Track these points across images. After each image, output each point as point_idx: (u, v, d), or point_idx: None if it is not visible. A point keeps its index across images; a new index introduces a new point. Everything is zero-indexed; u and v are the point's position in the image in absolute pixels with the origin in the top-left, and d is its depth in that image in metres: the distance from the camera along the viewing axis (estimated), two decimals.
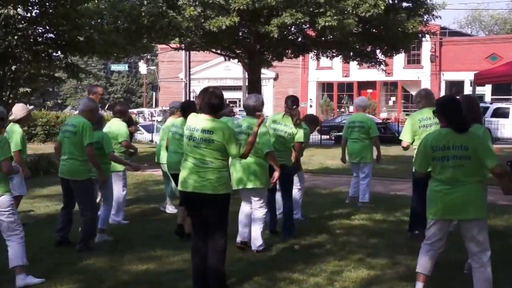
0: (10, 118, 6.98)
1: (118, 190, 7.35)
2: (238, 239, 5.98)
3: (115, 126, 7.33)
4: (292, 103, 6.56)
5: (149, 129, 24.81)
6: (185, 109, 6.58)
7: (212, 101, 4.60)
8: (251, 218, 5.98)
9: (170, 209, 8.13)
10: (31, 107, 7.88)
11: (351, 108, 36.94)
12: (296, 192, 7.38)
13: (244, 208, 6.06)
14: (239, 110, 23.58)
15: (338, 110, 38.73)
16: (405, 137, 6.18)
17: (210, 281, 4.61)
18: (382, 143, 6.79)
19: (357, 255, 5.79)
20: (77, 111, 6.38)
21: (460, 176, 4.17)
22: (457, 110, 4.29)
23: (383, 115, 35.80)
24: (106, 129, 7.23)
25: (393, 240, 6.29)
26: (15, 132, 6.84)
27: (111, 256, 5.78)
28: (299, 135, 6.50)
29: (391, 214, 7.78)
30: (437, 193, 4.26)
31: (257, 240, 5.88)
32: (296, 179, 7.31)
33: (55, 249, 6.03)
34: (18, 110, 7.04)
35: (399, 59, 33.82)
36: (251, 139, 4.96)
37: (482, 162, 4.16)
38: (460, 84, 36.42)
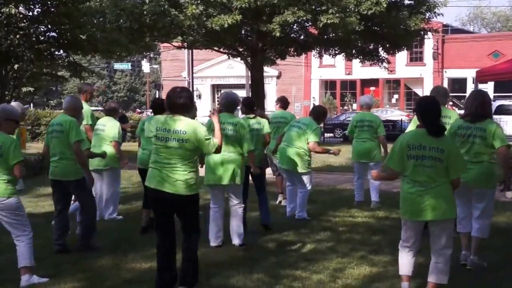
0: None
1: (113, 186, 7.46)
2: (213, 244, 5.98)
3: (109, 125, 7.37)
4: (248, 108, 6.77)
5: None
6: (156, 107, 6.62)
7: (177, 101, 4.51)
8: (219, 217, 6.05)
9: None
10: (26, 106, 7.95)
11: (355, 106, 36.92)
12: (302, 192, 7.43)
13: (216, 209, 6.05)
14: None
15: (341, 108, 38.68)
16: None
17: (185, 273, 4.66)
18: (391, 140, 6.79)
19: (360, 253, 5.80)
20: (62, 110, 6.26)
21: (434, 177, 4.24)
22: (434, 115, 4.30)
23: (389, 113, 35.61)
24: (100, 127, 7.30)
25: (396, 237, 6.20)
26: None
27: (114, 255, 5.79)
28: (266, 127, 6.74)
29: (394, 211, 7.75)
30: (411, 195, 4.33)
31: (240, 235, 6.00)
32: (305, 179, 7.43)
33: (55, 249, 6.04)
34: None
35: (402, 56, 33.75)
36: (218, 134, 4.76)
37: (449, 168, 4.25)
38: (462, 81, 36.35)
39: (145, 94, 58.93)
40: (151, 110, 7.08)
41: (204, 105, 38.03)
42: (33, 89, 15.42)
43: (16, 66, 12.48)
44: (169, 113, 4.61)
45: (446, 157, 4.20)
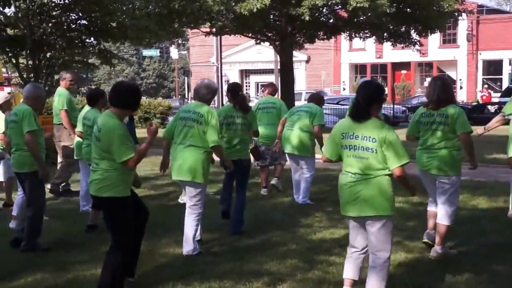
0: None
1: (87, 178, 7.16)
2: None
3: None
4: (232, 93, 6.13)
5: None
6: (92, 98, 6.39)
7: (110, 95, 4.25)
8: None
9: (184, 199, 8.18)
10: (11, 94, 7.84)
11: (386, 90, 36.31)
12: (307, 176, 7.41)
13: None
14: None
15: None
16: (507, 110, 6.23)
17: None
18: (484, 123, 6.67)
19: (395, 238, 5.62)
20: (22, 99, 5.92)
21: (366, 169, 3.78)
22: (359, 98, 3.85)
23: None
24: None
25: None
26: None
27: (148, 240, 5.76)
28: (254, 122, 6.22)
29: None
30: (343, 187, 3.90)
31: (187, 244, 5.25)
32: (310, 163, 7.39)
33: (91, 233, 6.11)
34: None
35: (434, 38, 33.06)
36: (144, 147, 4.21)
37: (386, 158, 3.75)
38: (498, 64, 35.44)
39: (174, 80, 59.26)
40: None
41: None
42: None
43: (48, 54, 12.62)
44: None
45: (379, 147, 3.73)
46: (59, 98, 8.15)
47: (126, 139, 4.14)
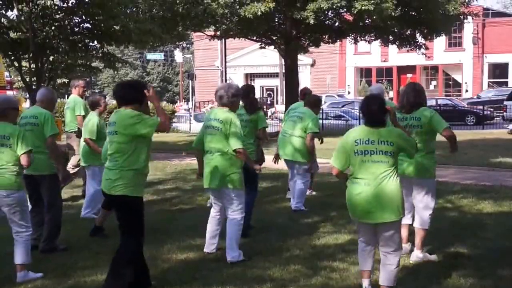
0: None
1: (92, 186, 6.95)
2: (206, 250, 5.45)
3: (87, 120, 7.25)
4: (245, 93, 6.14)
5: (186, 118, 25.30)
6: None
7: (117, 93, 4.39)
8: (219, 226, 5.44)
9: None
10: (17, 99, 7.77)
11: (391, 94, 36.30)
12: (301, 183, 7.28)
13: (213, 213, 5.46)
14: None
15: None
16: None
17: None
18: None
19: None
20: (37, 102, 5.93)
21: (381, 172, 4.06)
22: (370, 107, 4.18)
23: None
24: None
25: (436, 227, 6.06)
26: None
27: (150, 245, 5.72)
28: (260, 121, 6.29)
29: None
30: (356, 196, 4.12)
31: (232, 250, 5.19)
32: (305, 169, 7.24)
33: (93, 238, 6.06)
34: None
35: (440, 42, 33.02)
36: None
37: (404, 153, 4.27)
38: (504, 67, 35.31)
39: (178, 84, 59.30)
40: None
41: None
42: (67, 80, 15.60)
43: (51, 58, 12.63)
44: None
45: (396, 149, 4.13)
46: (76, 104, 8.18)
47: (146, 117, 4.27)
